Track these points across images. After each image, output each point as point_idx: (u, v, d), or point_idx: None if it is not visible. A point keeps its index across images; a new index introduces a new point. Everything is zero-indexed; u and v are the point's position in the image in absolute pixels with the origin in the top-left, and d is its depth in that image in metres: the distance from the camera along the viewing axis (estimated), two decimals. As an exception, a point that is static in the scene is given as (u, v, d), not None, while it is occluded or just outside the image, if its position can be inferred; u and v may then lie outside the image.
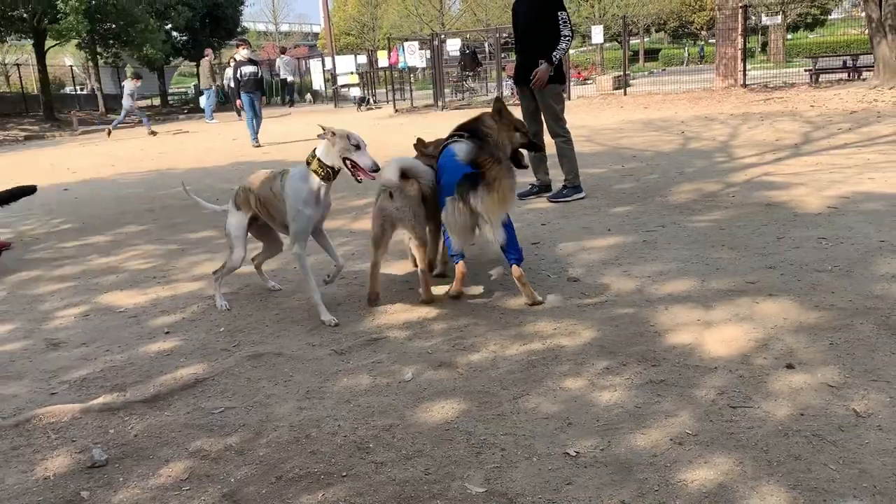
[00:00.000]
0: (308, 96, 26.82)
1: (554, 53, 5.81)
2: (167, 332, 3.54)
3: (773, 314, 3.19)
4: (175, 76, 49.45)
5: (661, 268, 3.95)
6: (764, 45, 34.73)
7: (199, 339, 3.42)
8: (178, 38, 35.71)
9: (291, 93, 26.08)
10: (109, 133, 18.04)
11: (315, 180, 3.43)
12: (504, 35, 18.70)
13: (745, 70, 17.75)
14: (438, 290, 3.80)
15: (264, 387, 2.84)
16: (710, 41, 39.94)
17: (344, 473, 2.20)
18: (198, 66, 24.29)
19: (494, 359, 2.96)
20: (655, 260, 4.11)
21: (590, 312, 3.39)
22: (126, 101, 18.14)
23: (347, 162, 3.33)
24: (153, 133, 17.68)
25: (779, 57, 31.44)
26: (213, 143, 14.12)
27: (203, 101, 21.08)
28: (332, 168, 3.40)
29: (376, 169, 3.31)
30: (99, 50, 29.32)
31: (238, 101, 13.56)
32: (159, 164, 11.33)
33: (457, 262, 3.61)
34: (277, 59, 24.21)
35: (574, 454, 2.21)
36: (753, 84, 17.56)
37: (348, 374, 2.91)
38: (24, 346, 3.51)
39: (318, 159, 3.40)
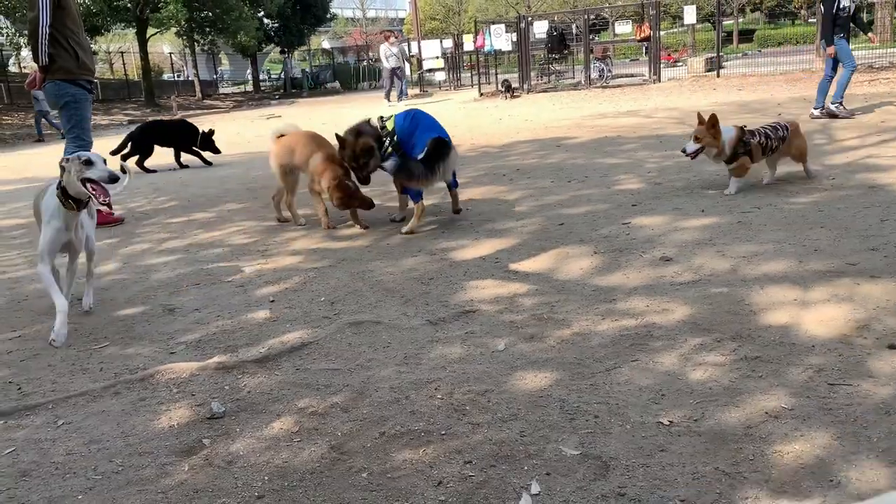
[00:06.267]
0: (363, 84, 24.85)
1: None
2: (272, 301, 3.74)
3: (875, 296, 3.11)
4: (266, 62, 50.88)
5: (756, 248, 3.90)
6: (870, 24, 32.87)
7: (301, 307, 3.61)
8: (270, 25, 36.81)
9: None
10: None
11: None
12: (592, 17, 18.40)
13: (848, 50, 16.85)
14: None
15: (365, 352, 2.99)
16: (809, 20, 38.09)
17: (443, 432, 2.31)
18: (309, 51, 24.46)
19: (585, 333, 3.01)
20: (750, 241, 4.05)
21: (683, 291, 3.39)
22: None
23: (88, 185, 3.24)
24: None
25: (885, 36, 29.71)
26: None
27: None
28: (76, 199, 3.31)
29: (114, 178, 3.24)
30: (196, 37, 30.57)
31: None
32: (257, 146, 11.77)
33: (417, 202, 4.84)
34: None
35: (667, 423, 2.25)
36: (857, 64, 16.66)
37: (442, 343, 3.03)
38: (142, 310, 3.78)
39: (63, 189, 3.31)
